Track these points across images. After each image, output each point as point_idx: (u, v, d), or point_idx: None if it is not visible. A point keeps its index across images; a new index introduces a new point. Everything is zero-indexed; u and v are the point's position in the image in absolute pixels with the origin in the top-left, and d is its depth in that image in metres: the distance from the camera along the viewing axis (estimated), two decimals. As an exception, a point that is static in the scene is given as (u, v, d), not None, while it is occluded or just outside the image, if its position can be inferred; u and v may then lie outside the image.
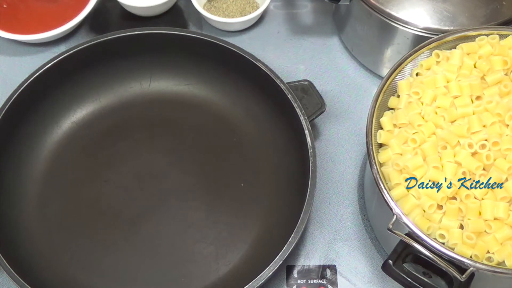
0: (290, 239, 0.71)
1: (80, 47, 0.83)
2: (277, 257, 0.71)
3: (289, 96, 0.79)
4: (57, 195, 0.81)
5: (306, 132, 0.77)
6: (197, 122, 0.86)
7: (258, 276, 0.70)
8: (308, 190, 0.74)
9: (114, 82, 0.88)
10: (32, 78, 0.81)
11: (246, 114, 0.86)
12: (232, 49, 0.82)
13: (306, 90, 0.81)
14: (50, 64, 0.82)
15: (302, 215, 0.72)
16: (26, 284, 0.70)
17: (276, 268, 0.70)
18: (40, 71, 0.81)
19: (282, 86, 0.80)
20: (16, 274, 0.70)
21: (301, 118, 0.78)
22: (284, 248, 0.71)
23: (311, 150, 0.76)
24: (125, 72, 0.87)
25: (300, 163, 0.77)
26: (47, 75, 0.82)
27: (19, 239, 0.77)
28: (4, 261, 0.71)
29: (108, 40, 0.84)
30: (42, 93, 0.83)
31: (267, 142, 0.84)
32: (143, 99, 0.88)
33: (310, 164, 0.75)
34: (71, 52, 0.83)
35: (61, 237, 0.79)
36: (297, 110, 0.78)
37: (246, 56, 0.82)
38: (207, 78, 0.87)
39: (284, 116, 0.81)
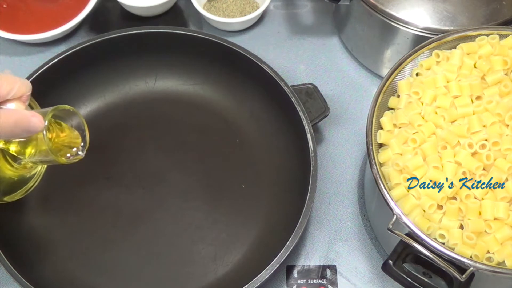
0: (288, 242, 0.71)
1: (83, 45, 0.83)
2: (275, 260, 0.71)
3: (292, 99, 0.79)
4: (59, 191, 0.81)
5: (308, 136, 0.77)
6: (201, 122, 0.86)
7: (255, 278, 0.70)
8: (308, 193, 0.74)
9: (119, 80, 0.88)
10: (35, 75, 0.80)
11: (250, 116, 0.86)
12: (238, 50, 0.83)
13: (310, 93, 0.81)
14: (55, 61, 0.82)
15: (301, 218, 0.73)
16: (24, 281, 0.70)
17: (273, 270, 0.70)
18: (44, 68, 0.81)
19: (286, 89, 0.80)
20: (15, 271, 0.70)
21: (304, 121, 0.78)
22: (282, 251, 0.71)
23: (312, 154, 0.76)
24: (131, 70, 0.88)
25: (301, 166, 0.77)
26: (50, 73, 0.82)
27: (19, 235, 0.77)
28: (4, 257, 0.71)
29: (113, 38, 0.84)
30: (44, 91, 0.82)
31: (269, 144, 0.84)
32: (148, 98, 0.88)
33: (311, 168, 0.75)
34: (75, 50, 0.83)
35: (61, 233, 0.79)
36: (300, 113, 0.78)
37: (251, 58, 0.82)
38: (212, 78, 0.88)
39: (287, 119, 0.81)
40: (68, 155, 0.69)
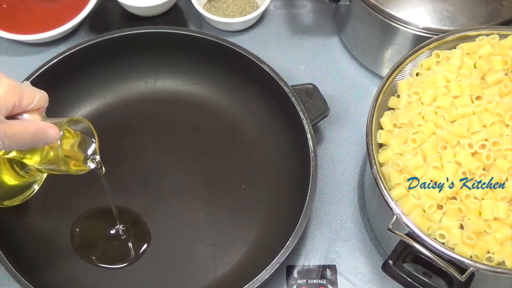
0: (288, 242, 0.71)
1: (83, 45, 0.83)
2: (275, 260, 0.71)
3: (292, 99, 0.79)
4: (59, 191, 0.81)
5: (308, 136, 0.77)
6: (201, 122, 0.86)
7: (255, 279, 0.70)
8: (308, 193, 0.74)
9: (119, 80, 0.88)
10: (35, 75, 0.80)
11: (249, 115, 0.86)
12: (238, 50, 0.83)
13: (310, 93, 0.81)
14: (55, 61, 0.82)
15: (301, 218, 0.73)
16: (25, 281, 0.70)
17: (273, 270, 0.70)
18: (44, 68, 0.81)
19: (286, 89, 0.80)
20: (15, 271, 0.70)
21: (304, 121, 0.78)
22: (282, 251, 0.71)
23: (312, 154, 0.76)
24: (131, 71, 0.88)
25: (301, 166, 0.77)
26: (50, 73, 0.82)
27: (20, 235, 0.77)
28: (4, 257, 0.71)
29: (113, 38, 0.84)
30: (45, 91, 0.82)
31: (269, 144, 0.84)
32: (148, 98, 0.88)
33: (311, 168, 0.75)
34: (75, 50, 0.83)
35: (61, 233, 0.79)
36: (300, 113, 0.78)
37: (251, 58, 0.82)
38: (212, 78, 0.88)
39: (287, 119, 0.81)
40: (77, 165, 0.69)
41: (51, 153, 0.64)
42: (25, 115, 0.60)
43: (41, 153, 0.64)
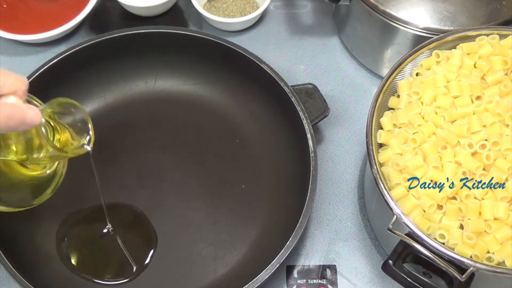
0: (288, 242, 0.72)
1: (83, 45, 0.83)
2: (275, 260, 0.71)
3: (292, 99, 0.79)
4: (58, 191, 0.81)
5: (308, 136, 0.77)
6: (201, 122, 0.86)
7: (255, 279, 0.70)
8: (308, 193, 0.74)
9: (119, 80, 0.88)
10: (35, 75, 0.80)
11: (249, 115, 0.86)
12: (238, 50, 0.83)
13: (310, 93, 0.81)
14: (55, 61, 0.82)
15: (301, 218, 0.73)
16: (25, 281, 0.70)
17: (273, 270, 0.70)
18: (44, 68, 0.81)
19: (286, 89, 0.80)
20: (15, 271, 0.70)
21: (304, 121, 0.78)
22: (282, 251, 0.71)
23: (312, 154, 0.76)
24: (131, 71, 0.88)
25: (301, 166, 0.77)
26: (50, 73, 0.82)
27: (19, 236, 0.77)
28: (4, 257, 0.71)
29: (113, 38, 0.84)
30: (45, 91, 0.82)
31: (269, 143, 0.84)
32: (148, 98, 0.88)
33: (311, 168, 0.75)
34: (75, 50, 0.83)
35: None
36: (300, 113, 0.78)
37: (251, 58, 0.82)
38: (212, 78, 0.88)
39: (287, 119, 0.81)
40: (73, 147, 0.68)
41: (45, 140, 0.63)
42: (6, 99, 0.58)
43: (36, 141, 0.63)
